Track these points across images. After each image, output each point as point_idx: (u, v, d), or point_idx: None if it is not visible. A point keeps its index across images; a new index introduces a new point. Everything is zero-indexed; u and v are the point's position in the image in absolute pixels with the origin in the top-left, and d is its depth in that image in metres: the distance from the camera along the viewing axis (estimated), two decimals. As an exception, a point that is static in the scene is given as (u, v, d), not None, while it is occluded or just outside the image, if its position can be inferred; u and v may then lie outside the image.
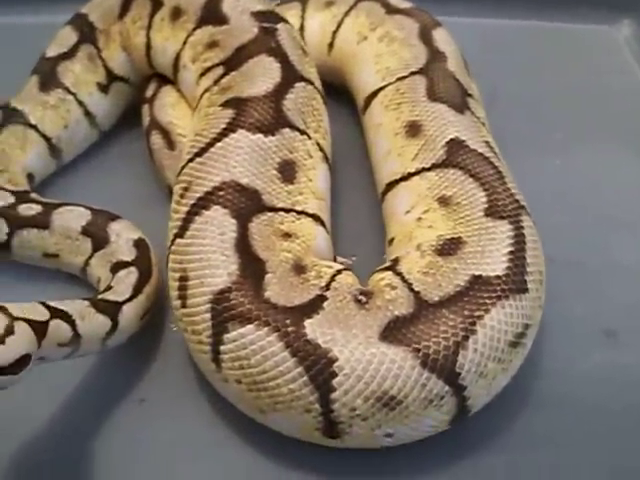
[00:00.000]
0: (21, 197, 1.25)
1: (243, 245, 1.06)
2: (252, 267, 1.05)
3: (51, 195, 1.32)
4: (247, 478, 1.10)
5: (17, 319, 0.94)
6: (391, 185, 1.22)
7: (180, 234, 1.10)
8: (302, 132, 1.19)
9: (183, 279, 1.07)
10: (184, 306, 1.06)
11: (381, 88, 1.32)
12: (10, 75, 1.43)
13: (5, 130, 1.33)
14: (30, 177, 1.34)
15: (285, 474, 1.09)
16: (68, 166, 1.41)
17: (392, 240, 1.17)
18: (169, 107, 1.35)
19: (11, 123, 1.34)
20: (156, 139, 1.34)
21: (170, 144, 1.32)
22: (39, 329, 0.96)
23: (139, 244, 1.21)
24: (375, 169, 1.28)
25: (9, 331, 0.93)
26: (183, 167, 1.17)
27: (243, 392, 1.03)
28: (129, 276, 1.16)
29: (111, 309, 1.09)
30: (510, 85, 1.49)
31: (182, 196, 1.13)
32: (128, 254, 1.19)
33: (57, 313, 1.00)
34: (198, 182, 1.13)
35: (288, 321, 1.00)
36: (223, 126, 1.17)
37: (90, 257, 1.21)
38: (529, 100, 1.49)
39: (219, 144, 1.15)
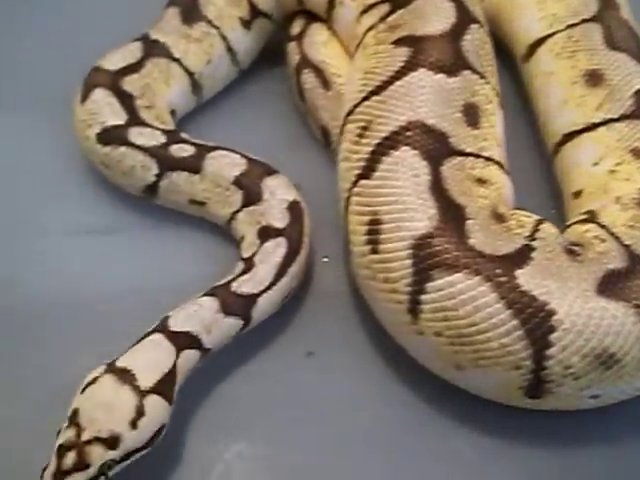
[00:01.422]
0: (172, 137, 1.17)
1: (438, 189, 0.99)
2: (451, 212, 0.98)
3: (189, 135, 1.23)
4: (419, 434, 1.03)
5: (146, 394, 0.92)
6: (570, 136, 1.15)
7: (365, 175, 1.02)
8: (481, 76, 1.12)
9: (374, 223, 0.99)
10: (375, 252, 0.99)
11: (549, 35, 1.24)
12: (138, 6, 1.36)
13: (148, 62, 1.25)
14: (172, 114, 1.26)
15: (461, 433, 1.02)
16: (207, 104, 1.33)
17: (579, 192, 1.10)
18: (320, 45, 1.27)
19: (154, 56, 1.26)
20: (308, 78, 1.26)
21: (324, 84, 1.24)
22: (169, 386, 0.95)
23: (293, 207, 1.11)
24: (546, 119, 1.21)
25: (140, 413, 0.91)
26: (356, 105, 1.10)
27: (441, 346, 0.96)
28: (276, 252, 1.07)
29: (244, 307, 1.03)
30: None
31: (361, 136, 1.06)
32: (280, 219, 1.10)
33: (182, 342, 0.98)
34: (380, 121, 1.05)
35: (499, 271, 0.93)
36: (400, 64, 1.10)
37: (238, 211, 1.13)
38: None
39: (399, 82, 1.08)
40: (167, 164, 1.14)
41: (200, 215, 1.17)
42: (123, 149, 1.16)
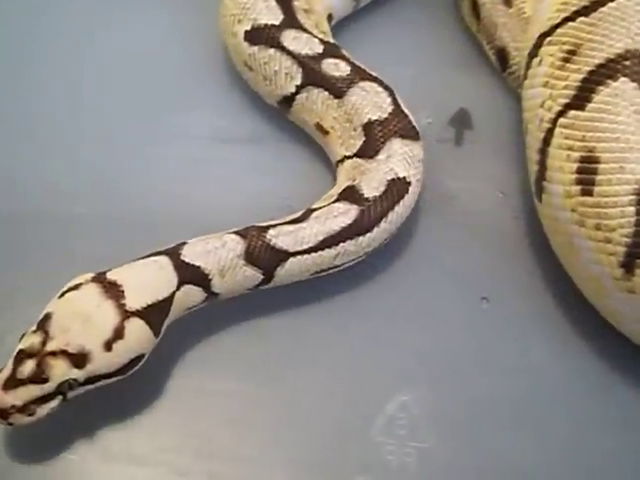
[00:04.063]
0: (330, 49, 1.03)
1: None
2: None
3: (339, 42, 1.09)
4: (602, 402, 0.92)
5: (131, 315, 0.82)
6: None
7: (577, 105, 0.90)
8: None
9: (589, 160, 0.88)
10: (588, 194, 0.87)
11: None
12: None
13: (305, -44, 1.10)
14: (329, 19, 1.12)
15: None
16: (363, 12, 1.18)
17: None
18: (501, -44, 1.13)
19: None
20: (488, -7, 1.12)
21: (506, 0, 1.10)
22: (158, 316, 0.85)
23: (396, 185, 0.95)
24: None
25: (118, 335, 0.81)
26: (557, 26, 0.97)
27: (655, 308, 0.84)
28: (338, 218, 0.92)
29: (269, 261, 0.90)
30: None
31: (568, 60, 0.94)
32: (372, 188, 0.94)
33: (188, 276, 0.87)
34: (591, 46, 0.93)
35: None
36: (612, -17, 0.96)
37: (349, 157, 0.99)
38: None
39: (612, 4, 0.95)
40: (312, 78, 1.01)
41: (321, 143, 1.04)
42: (271, 51, 1.03)
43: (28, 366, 0.79)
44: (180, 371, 0.91)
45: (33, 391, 0.79)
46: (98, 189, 1.03)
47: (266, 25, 1.04)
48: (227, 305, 0.93)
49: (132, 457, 0.86)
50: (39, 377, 0.79)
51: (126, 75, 1.13)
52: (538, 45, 0.98)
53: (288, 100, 1.04)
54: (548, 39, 0.97)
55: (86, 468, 0.86)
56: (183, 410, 0.89)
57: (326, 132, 1.02)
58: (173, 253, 0.87)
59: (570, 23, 0.96)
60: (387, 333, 0.94)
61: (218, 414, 0.89)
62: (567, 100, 0.91)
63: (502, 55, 1.11)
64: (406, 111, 1.00)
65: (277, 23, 1.05)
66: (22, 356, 0.79)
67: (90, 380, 0.81)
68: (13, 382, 0.78)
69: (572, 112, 0.90)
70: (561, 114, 0.91)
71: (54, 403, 0.80)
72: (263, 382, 0.91)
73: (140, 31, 1.16)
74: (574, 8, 0.97)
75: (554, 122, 0.91)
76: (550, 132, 0.92)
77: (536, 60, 0.97)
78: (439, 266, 0.98)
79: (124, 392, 0.87)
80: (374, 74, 1.02)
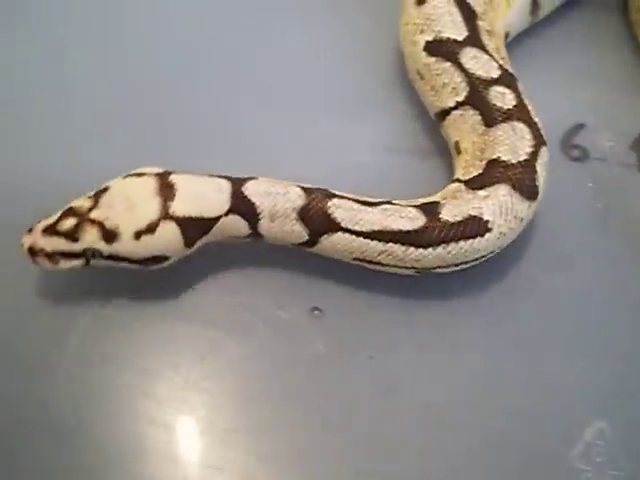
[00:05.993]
0: (506, 79, 1.02)
1: None
2: None
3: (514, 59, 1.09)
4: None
5: (170, 219, 0.88)
6: None
7: None
8: None
9: None
10: None
11: None
12: None
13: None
14: (505, 38, 1.12)
15: None
16: (538, 25, 1.18)
17: None
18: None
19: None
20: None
21: None
22: (197, 230, 0.90)
23: (472, 222, 0.92)
24: None
25: (150, 230, 0.88)
26: None
27: None
28: (400, 220, 0.93)
29: (319, 226, 0.92)
30: None
31: None
32: (450, 214, 0.93)
33: (241, 208, 0.91)
34: None
35: None
36: None
37: (458, 181, 0.98)
38: None
39: None
40: (475, 99, 1.01)
41: (452, 160, 1.04)
42: (447, 65, 1.03)
43: (69, 222, 0.88)
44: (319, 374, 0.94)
45: (63, 245, 0.88)
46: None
47: (449, 39, 1.05)
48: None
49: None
50: (72, 235, 0.88)
51: (288, 79, 1.14)
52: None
53: (444, 113, 1.04)
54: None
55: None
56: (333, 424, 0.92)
57: (459, 152, 1.02)
58: (237, 182, 0.92)
59: None
60: (582, 359, 0.96)
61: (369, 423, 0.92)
62: None
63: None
64: (539, 169, 0.96)
65: (460, 39, 1.05)
66: (69, 212, 0.89)
67: (112, 257, 0.89)
68: (52, 230, 0.88)
69: None
70: None
71: (77, 263, 0.89)
72: (453, 405, 0.93)
73: (306, 38, 1.18)
74: None
75: None
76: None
77: None
78: (625, 292, 0.99)
79: (301, 405, 0.92)
80: (536, 120, 0.99)
